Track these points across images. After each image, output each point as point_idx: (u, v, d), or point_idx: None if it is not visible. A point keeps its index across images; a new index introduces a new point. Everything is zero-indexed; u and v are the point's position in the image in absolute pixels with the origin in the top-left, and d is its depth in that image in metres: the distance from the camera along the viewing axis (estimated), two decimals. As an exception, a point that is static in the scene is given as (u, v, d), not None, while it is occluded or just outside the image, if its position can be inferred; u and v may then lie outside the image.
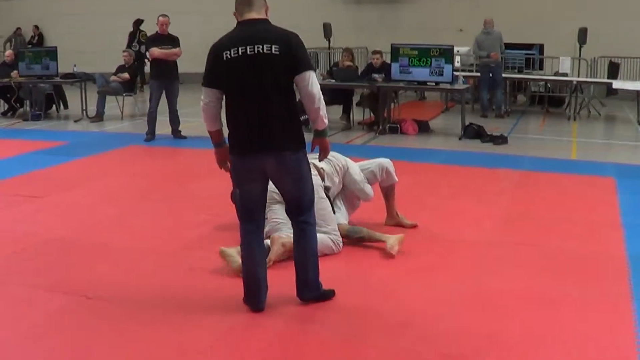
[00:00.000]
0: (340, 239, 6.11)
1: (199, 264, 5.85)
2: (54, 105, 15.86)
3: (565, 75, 16.05)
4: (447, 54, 12.59)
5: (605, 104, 16.73)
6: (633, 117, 14.89)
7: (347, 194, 6.65)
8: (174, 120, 12.17)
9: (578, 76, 16.34)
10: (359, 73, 13.83)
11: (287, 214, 5.04)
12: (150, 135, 12.05)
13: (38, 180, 9.04)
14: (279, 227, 5.91)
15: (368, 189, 6.68)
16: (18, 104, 15.64)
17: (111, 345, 4.43)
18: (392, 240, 6.11)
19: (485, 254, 6.16)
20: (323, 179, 6.24)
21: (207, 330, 4.60)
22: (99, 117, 14.49)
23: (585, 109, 15.81)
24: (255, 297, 4.87)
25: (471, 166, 10.00)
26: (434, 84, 13.01)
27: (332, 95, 12.72)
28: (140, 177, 9.48)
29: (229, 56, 4.61)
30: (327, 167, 6.27)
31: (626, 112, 15.93)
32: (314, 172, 5.27)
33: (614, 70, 16.70)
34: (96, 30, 22.70)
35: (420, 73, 12.69)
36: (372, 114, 14.03)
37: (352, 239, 6.28)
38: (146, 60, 15.35)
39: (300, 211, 4.88)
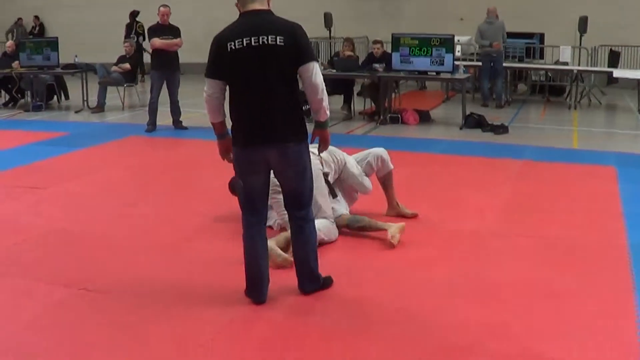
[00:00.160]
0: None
1: (200, 255, 5.87)
2: (55, 96, 15.86)
3: (566, 64, 16.03)
4: (447, 43, 12.57)
5: (606, 92, 16.73)
6: (634, 106, 14.88)
7: (346, 187, 6.65)
8: (175, 110, 12.16)
9: (579, 65, 16.30)
10: (360, 63, 13.81)
11: (286, 208, 5.03)
12: (151, 125, 12.05)
13: (39, 171, 9.05)
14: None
15: (367, 182, 6.70)
16: (19, 95, 15.63)
17: (111, 338, 4.44)
18: (393, 229, 6.13)
19: (486, 244, 6.18)
20: (322, 165, 6.25)
21: (208, 323, 4.61)
22: (100, 107, 14.48)
23: (586, 98, 15.81)
24: (257, 290, 4.88)
25: (472, 156, 10.01)
26: (434, 73, 12.99)
27: (333, 85, 12.70)
28: (141, 168, 9.49)
29: (233, 47, 4.59)
30: (324, 155, 6.27)
31: (627, 100, 15.92)
32: (313, 159, 5.26)
33: (614, 59, 16.68)
34: (97, 20, 22.66)
35: (421, 63, 12.69)
36: (373, 104, 14.03)
37: (354, 228, 6.30)
38: (144, 51, 15.29)
39: (300, 206, 4.88)
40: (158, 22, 12.17)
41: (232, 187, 6.34)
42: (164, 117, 12.24)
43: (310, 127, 4.75)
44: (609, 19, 17.54)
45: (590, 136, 11.95)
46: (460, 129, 12.29)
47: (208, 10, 21.55)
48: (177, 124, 12.23)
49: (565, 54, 16.18)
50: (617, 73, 15.44)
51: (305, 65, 4.62)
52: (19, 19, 24.98)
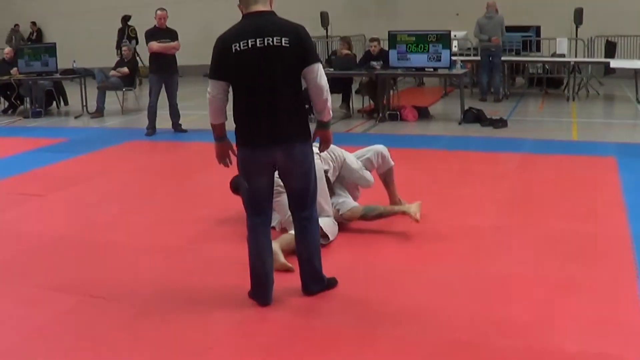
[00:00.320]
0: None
1: (204, 258, 5.89)
2: (54, 102, 15.89)
3: (563, 56, 16.06)
4: (444, 39, 12.59)
5: (604, 83, 16.74)
6: (632, 96, 14.88)
7: (347, 185, 6.66)
8: (174, 113, 12.18)
9: (575, 56, 16.34)
10: (357, 61, 13.83)
11: (290, 209, 5.04)
12: (151, 129, 12.06)
13: (40, 178, 9.05)
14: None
15: (367, 175, 6.72)
16: (18, 102, 15.65)
17: (117, 343, 4.45)
18: (413, 207, 6.26)
19: (489, 238, 6.19)
20: (322, 162, 6.28)
21: (213, 325, 4.63)
22: (99, 112, 14.49)
23: (584, 89, 15.82)
24: (262, 291, 4.88)
25: (472, 151, 10.03)
26: (432, 69, 13.00)
27: (331, 84, 12.47)
28: (142, 172, 9.50)
29: (238, 48, 4.59)
30: (322, 153, 6.29)
31: (625, 90, 15.92)
32: (315, 158, 5.27)
33: (611, 50, 16.69)
34: (94, 25, 22.66)
35: (418, 59, 12.69)
36: (371, 102, 14.04)
37: (370, 217, 6.37)
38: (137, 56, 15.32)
39: (304, 205, 4.89)
40: (155, 25, 12.17)
41: (234, 186, 6.38)
42: (164, 121, 12.25)
43: (311, 127, 4.77)
44: (604, 9, 17.53)
45: (590, 127, 11.96)
46: (459, 124, 12.29)
47: (204, 13, 21.58)
48: (176, 127, 12.24)
49: (562, 46, 16.21)
50: (614, 63, 15.45)
51: (310, 66, 4.64)
52: (16, 25, 24.98)
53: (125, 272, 5.64)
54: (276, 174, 4.88)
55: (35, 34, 24.76)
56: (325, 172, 6.30)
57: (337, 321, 4.65)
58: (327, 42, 20.00)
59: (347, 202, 6.47)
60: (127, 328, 4.65)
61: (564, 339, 4.29)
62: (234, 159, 4.92)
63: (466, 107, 12.64)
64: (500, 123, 11.86)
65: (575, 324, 4.48)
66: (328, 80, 4.78)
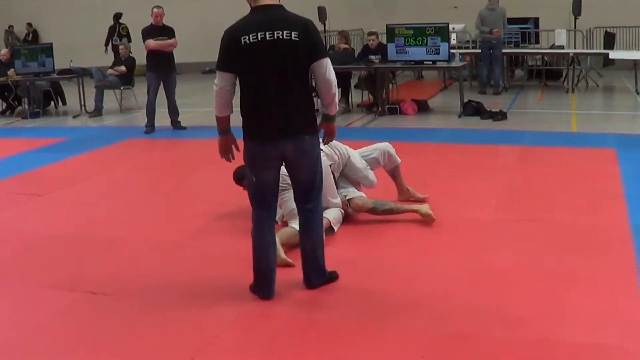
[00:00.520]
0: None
1: (204, 254, 5.89)
2: (52, 102, 15.85)
3: (562, 47, 16.04)
4: (442, 32, 12.56)
5: (603, 74, 16.73)
6: (631, 87, 14.86)
7: (349, 181, 6.66)
8: (173, 111, 12.16)
9: (574, 48, 16.31)
10: (356, 55, 13.81)
11: (295, 202, 5.04)
12: (150, 127, 12.05)
13: (39, 178, 9.06)
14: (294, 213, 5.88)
15: (371, 175, 6.74)
16: (16, 103, 15.61)
17: (119, 339, 4.45)
18: (425, 207, 6.34)
19: (489, 231, 6.18)
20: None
21: (215, 320, 4.62)
22: (98, 111, 14.47)
23: (583, 81, 15.80)
24: (266, 285, 4.87)
25: (472, 143, 10.01)
26: (430, 62, 12.98)
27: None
28: (141, 170, 9.50)
29: (247, 41, 4.58)
30: (326, 148, 6.30)
31: (624, 81, 15.90)
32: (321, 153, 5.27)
33: (609, 41, 16.68)
34: (90, 24, 22.60)
35: (417, 52, 12.67)
36: (370, 96, 14.03)
37: (380, 212, 6.41)
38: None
39: (309, 198, 4.89)
40: (152, 23, 12.14)
41: (238, 177, 6.37)
42: (162, 118, 12.24)
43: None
44: (602, 0, 17.50)
45: (589, 119, 11.94)
46: (459, 117, 12.28)
47: (201, 10, 21.57)
48: (175, 124, 12.22)
49: (561, 37, 16.18)
50: (613, 54, 15.44)
51: (319, 61, 4.66)
52: (10, 26, 24.94)
53: (125, 268, 5.64)
54: (282, 168, 4.88)
55: (31, 34, 24.72)
56: (330, 166, 6.31)
57: (339, 314, 4.64)
58: (325, 37, 19.90)
59: (355, 191, 6.53)
60: (128, 324, 4.65)
61: (563, 330, 4.28)
62: (236, 153, 4.91)
63: (465, 100, 12.62)
64: (500, 115, 11.84)
65: (574, 316, 4.47)
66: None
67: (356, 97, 14.22)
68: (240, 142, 4.87)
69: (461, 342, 4.20)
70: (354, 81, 14.38)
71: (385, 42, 13.23)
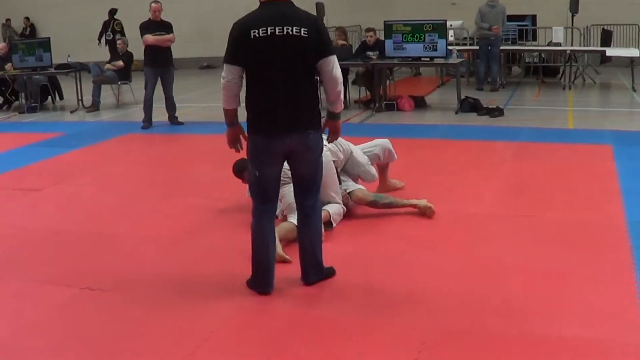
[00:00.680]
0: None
1: (202, 248, 5.89)
2: (49, 97, 15.84)
3: (559, 45, 16.06)
4: (440, 28, 12.55)
5: (600, 71, 16.72)
6: (628, 84, 14.88)
7: (350, 176, 6.70)
8: (170, 106, 12.15)
9: (571, 45, 16.33)
10: (354, 51, 13.81)
11: (295, 197, 5.05)
12: (147, 122, 12.04)
13: (36, 173, 9.04)
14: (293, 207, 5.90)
15: (373, 170, 6.84)
16: (13, 97, 15.60)
17: (117, 335, 4.45)
18: (423, 201, 6.44)
19: (486, 227, 6.19)
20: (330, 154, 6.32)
21: (213, 315, 4.62)
22: (95, 106, 14.45)
23: (580, 78, 15.81)
24: (265, 279, 4.88)
25: (468, 140, 10.02)
26: (428, 59, 12.99)
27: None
28: (138, 165, 9.50)
29: (257, 35, 4.58)
30: (329, 145, 6.33)
31: (621, 79, 15.93)
32: (324, 149, 5.30)
33: (607, 38, 16.69)
34: (88, 19, 22.59)
35: (414, 49, 12.68)
36: (367, 92, 14.04)
37: (380, 205, 6.47)
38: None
39: (309, 193, 4.91)
40: (150, 18, 12.13)
41: (238, 169, 6.38)
42: (160, 114, 12.24)
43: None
44: (600, -2, 17.55)
45: (586, 115, 11.96)
46: (456, 113, 12.29)
47: (199, 6, 21.55)
48: (172, 119, 12.21)
49: (558, 34, 16.20)
50: (610, 52, 15.44)
51: (326, 58, 4.68)
52: (7, 20, 24.90)
53: (124, 264, 5.63)
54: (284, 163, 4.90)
55: (28, 29, 24.68)
56: (334, 162, 6.34)
57: (337, 310, 4.65)
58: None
59: (355, 184, 6.60)
60: (126, 320, 4.65)
61: (560, 325, 4.29)
62: (245, 144, 4.92)
63: (463, 97, 12.63)
64: (497, 112, 11.86)
65: (571, 311, 4.48)
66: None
67: (354, 93, 14.22)
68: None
69: (458, 336, 4.21)
70: (351, 77, 14.38)
71: (382, 39, 13.23)
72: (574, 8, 16.57)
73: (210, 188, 7.64)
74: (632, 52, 14.99)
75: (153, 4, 12.11)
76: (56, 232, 6.54)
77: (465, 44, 16.65)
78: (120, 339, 4.39)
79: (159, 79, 11.97)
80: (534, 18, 17.35)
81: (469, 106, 12.32)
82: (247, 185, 5.42)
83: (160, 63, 11.91)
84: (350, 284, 5.00)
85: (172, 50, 12.22)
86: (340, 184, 6.41)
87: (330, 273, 5.09)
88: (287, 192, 5.75)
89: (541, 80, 16.34)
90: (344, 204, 6.35)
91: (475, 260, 5.36)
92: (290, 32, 4.59)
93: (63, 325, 4.64)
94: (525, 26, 17.09)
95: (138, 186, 8.29)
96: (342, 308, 4.67)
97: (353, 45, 15.04)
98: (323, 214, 5.66)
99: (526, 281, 4.96)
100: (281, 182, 5.05)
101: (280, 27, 4.59)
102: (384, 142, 7.01)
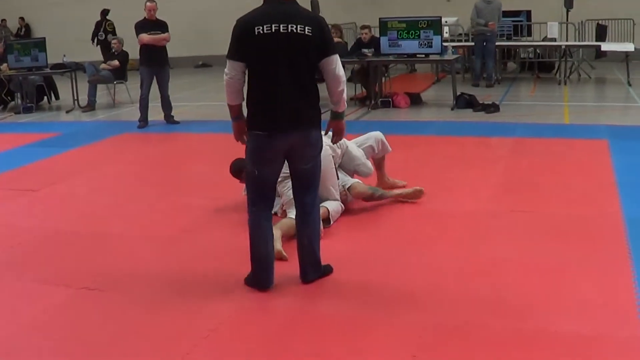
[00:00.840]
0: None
1: (200, 247, 5.89)
2: (45, 97, 15.81)
3: (554, 40, 16.06)
4: (435, 25, 12.57)
5: (595, 66, 16.75)
6: (623, 79, 14.88)
7: (345, 171, 6.71)
8: (166, 105, 12.14)
9: (566, 40, 16.34)
10: (349, 49, 13.81)
11: (294, 195, 5.06)
12: (143, 122, 12.03)
13: (32, 173, 9.03)
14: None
15: (368, 163, 6.85)
16: (9, 98, 15.57)
17: (114, 335, 4.45)
18: (409, 189, 6.71)
19: (482, 223, 6.20)
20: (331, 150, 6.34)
21: (211, 314, 4.62)
22: (91, 106, 14.43)
23: (575, 73, 15.84)
24: (264, 275, 4.89)
25: (464, 136, 10.04)
26: (423, 55, 13.00)
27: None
28: (135, 165, 9.49)
29: (261, 32, 4.59)
30: (327, 141, 6.34)
31: (616, 73, 15.94)
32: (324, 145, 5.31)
33: (601, 33, 16.69)
34: (84, 19, 22.55)
35: (410, 45, 12.70)
36: (363, 89, 14.04)
37: (376, 198, 6.62)
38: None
39: (309, 190, 4.92)
40: (145, 17, 12.12)
41: (235, 169, 6.38)
42: (156, 113, 12.22)
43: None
44: (594, -7, 17.55)
45: (581, 110, 11.98)
46: (452, 109, 12.30)
47: (194, 4, 21.52)
48: (168, 118, 12.20)
49: (553, 30, 16.20)
50: (605, 47, 15.46)
51: (329, 57, 4.70)
52: (3, 20, 24.85)
53: (120, 263, 5.63)
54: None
55: (23, 29, 24.64)
56: (334, 158, 6.36)
57: (335, 308, 4.65)
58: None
59: (351, 179, 6.64)
60: (123, 319, 4.65)
61: (558, 320, 4.30)
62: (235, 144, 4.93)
63: (458, 93, 12.64)
64: (493, 108, 11.87)
65: (569, 306, 4.49)
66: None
67: (349, 90, 14.17)
68: None
69: (456, 333, 4.22)
70: (346, 75, 14.31)
71: (378, 36, 13.23)
72: (568, 3, 16.58)
73: (207, 187, 7.64)
74: (627, 47, 15.00)
75: (148, 3, 12.09)
76: (53, 232, 6.53)
77: (460, 40, 16.66)
78: (118, 338, 4.39)
79: (155, 78, 11.96)
80: (528, 13, 17.37)
81: (465, 102, 12.33)
82: (244, 184, 5.42)
83: (156, 62, 11.90)
84: (348, 282, 5.01)
85: (167, 49, 12.22)
86: (337, 178, 6.43)
87: (327, 271, 5.10)
88: (287, 189, 5.77)
89: (536, 75, 16.36)
90: (342, 201, 6.36)
91: (472, 257, 5.37)
92: (295, 30, 4.61)
93: (61, 324, 4.64)
94: (520, 22, 17.11)
95: (135, 185, 8.29)
96: (340, 306, 4.67)
97: (348, 42, 15.03)
98: (321, 210, 5.68)
99: (523, 277, 4.96)
100: (282, 177, 5.06)
101: (285, 25, 4.60)
102: (377, 134, 7.02)
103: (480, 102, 12.23)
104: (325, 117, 4.94)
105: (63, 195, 7.90)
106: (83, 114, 14.19)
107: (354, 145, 6.75)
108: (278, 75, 4.65)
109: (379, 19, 13.11)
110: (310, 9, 16.43)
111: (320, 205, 5.52)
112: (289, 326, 4.48)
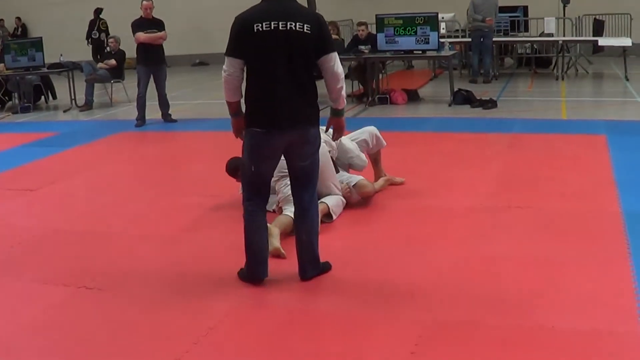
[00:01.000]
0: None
1: (198, 246, 5.89)
2: (42, 97, 15.81)
3: (551, 35, 16.05)
4: (432, 21, 12.57)
5: (592, 61, 16.74)
6: (620, 73, 14.90)
7: (340, 165, 6.72)
8: (164, 104, 12.13)
9: (564, 36, 16.33)
10: (346, 46, 13.81)
11: (293, 192, 5.06)
12: (141, 120, 12.03)
13: (31, 173, 9.02)
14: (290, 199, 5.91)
15: (362, 155, 6.88)
16: (6, 97, 15.57)
17: (114, 334, 4.45)
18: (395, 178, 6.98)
19: (480, 219, 6.20)
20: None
21: (209, 313, 4.62)
22: (88, 105, 14.42)
23: (573, 68, 15.83)
24: (259, 267, 4.91)
25: (462, 132, 10.03)
26: (420, 52, 12.99)
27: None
28: (133, 163, 9.49)
29: (260, 29, 4.60)
30: (324, 136, 6.33)
31: (613, 68, 15.95)
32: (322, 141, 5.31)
33: (599, 28, 16.68)
34: (80, 18, 22.52)
35: (406, 42, 12.69)
36: (360, 86, 14.04)
37: (375, 192, 6.74)
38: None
39: (307, 188, 4.92)
40: (141, 16, 12.11)
41: (231, 168, 6.38)
42: (153, 111, 12.22)
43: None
44: (591, -13, 17.53)
45: (579, 106, 11.98)
46: (449, 105, 12.30)
47: (191, 3, 21.50)
48: (166, 117, 12.20)
49: (550, 25, 16.19)
50: (602, 41, 15.44)
51: (328, 55, 4.71)
52: (0, 19, 24.82)
53: (120, 262, 5.63)
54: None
55: (20, 29, 24.60)
56: (329, 152, 6.38)
57: (334, 305, 4.66)
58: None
59: (354, 176, 6.65)
60: (122, 318, 4.66)
61: (557, 316, 4.30)
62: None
63: (455, 89, 12.64)
64: (490, 104, 11.87)
65: (568, 302, 4.49)
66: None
67: (346, 87, 14.17)
68: None
69: (455, 329, 4.22)
70: (344, 71, 14.34)
71: (374, 32, 13.24)
72: (565, -2, 16.59)
73: (205, 185, 7.64)
74: (625, 42, 14.99)
75: (144, 2, 12.08)
76: (52, 231, 6.53)
77: (457, 36, 16.64)
78: (117, 337, 4.39)
79: (152, 76, 11.96)
80: (525, 9, 17.34)
81: (462, 98, 12.33)
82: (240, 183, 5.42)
83: (153, 61, 11.90)
84: (347, 279, 5.01)
85: (164, 47, 12.21)
86: (337, 172, 6.44)
87: (326, 268, 5.10)
88: (284, 186, 5.76)
89: (534, 71, 16.36)
90: (346, 198, 6.37)
91: (470, 253, 5.37)
92: (294, 28, 4.61)
93: (60, 324, 4.64)
94: (517, 17, 17.08)
95: (133, 184, 8.29)
96: (339, 303, 4.68)
97: (345, 39, 15.02)
98: (321, 206, 5.69)
99: (522, 272, 4.97)
100: (282, 174, 5.06)
101: (284, 22, 4.61)
102: (371, 128, 7.05)
103: (478, 98, 12.23)
104: (324, 114, 4.95)
105: (61, 194, 7.89)
106: (80, 114, 14.18)
107: (347, 139, 6.76)
108: (276, 72, 4.65)
109: (376, 15, 13.10)
110: (307, 6, 16.47)
111: (319, 201, 5.53)
112: (288, 324, 4.48)
